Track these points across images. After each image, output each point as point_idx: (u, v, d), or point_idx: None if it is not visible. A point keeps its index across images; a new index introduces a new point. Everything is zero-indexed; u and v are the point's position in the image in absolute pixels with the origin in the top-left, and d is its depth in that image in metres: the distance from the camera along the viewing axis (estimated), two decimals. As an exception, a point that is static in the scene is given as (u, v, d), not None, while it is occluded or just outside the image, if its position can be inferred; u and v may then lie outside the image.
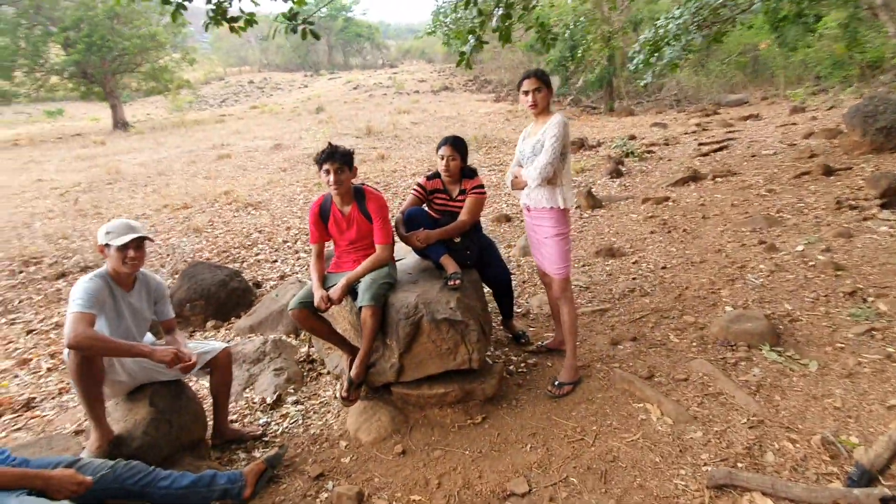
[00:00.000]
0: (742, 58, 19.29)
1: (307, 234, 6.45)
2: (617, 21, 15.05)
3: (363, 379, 2.62)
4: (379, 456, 2.36)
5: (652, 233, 5.24)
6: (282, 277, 5.10)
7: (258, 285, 4.91)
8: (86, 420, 2.82)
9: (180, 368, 2.24)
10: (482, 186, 2.95)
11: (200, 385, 3.10)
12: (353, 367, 2.59)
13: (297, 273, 5.22)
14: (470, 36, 4.59)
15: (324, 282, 2.66)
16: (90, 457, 1.96)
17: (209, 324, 4.12)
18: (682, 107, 17.75)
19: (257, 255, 5.92)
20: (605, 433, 2.30)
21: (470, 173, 2.98)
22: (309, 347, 3.50)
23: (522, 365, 3.02)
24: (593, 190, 7.08)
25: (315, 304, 2.55)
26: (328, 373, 3.18)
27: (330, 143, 2.61)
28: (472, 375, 2.62)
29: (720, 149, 9.18)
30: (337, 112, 19.93)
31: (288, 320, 3.79)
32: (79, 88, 21.89)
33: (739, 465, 1.95)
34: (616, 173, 8.43)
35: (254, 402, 2.95)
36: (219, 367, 2.50)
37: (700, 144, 9.84)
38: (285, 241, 6.28)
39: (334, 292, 2.56)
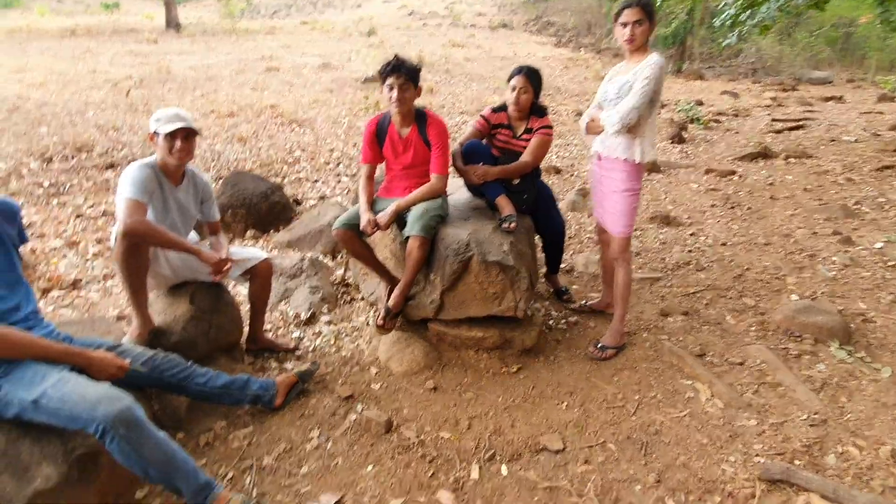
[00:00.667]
0: (834, 31, 17.36)
1: (349, 158, 6.32)
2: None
3: (400, 310, 2.54)
4: (409, 388, 2.32)
5: (712, 206, 4.89)
6: (322, 198, 5.01)
7: (298, 202, 4.85)
8: (128, 307, 2.89)
9: (218, 274, 2.20)
10: (550, 127, 2.69)
11: (238, 291, 3.10)
12: (392, 296, 2.51)
13: (337, 196, 5.12)
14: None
15: (371, 206, 2.53)
16: (131, 344, 1.96)
17: (248, 233, 4.10)
18: (758, 77, 16.30)
19: (298, 172, 5.83)
20: (648, 405, 2.19)
21: (540, 111, 2.72)
22: (345, 271, 3.45)
23: (563, 321, 2.89)
24: (653, 153, 6.61)
25: (361, 227, 2.44)
26: (362, 299, 3.13)
27: (396, 56, 2.38)
28: (513, 323, 2.51)
29: (796, 128, 8.42)
30: (388, 37, 19.06)
31: (326, 241, 3.73)
32: (134, -20, 21.43)
33: (797, 462, 1.81)
34: (678, 139, 7.87)
35: (288, 316, 2.93)
36: (258, 276, 2.44)
37: (774, 120, 9.05)
38: (327, 163, 6.16)
39: (382, 217, 2.43)
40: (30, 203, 4.43)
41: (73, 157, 5.56)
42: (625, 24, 2.29)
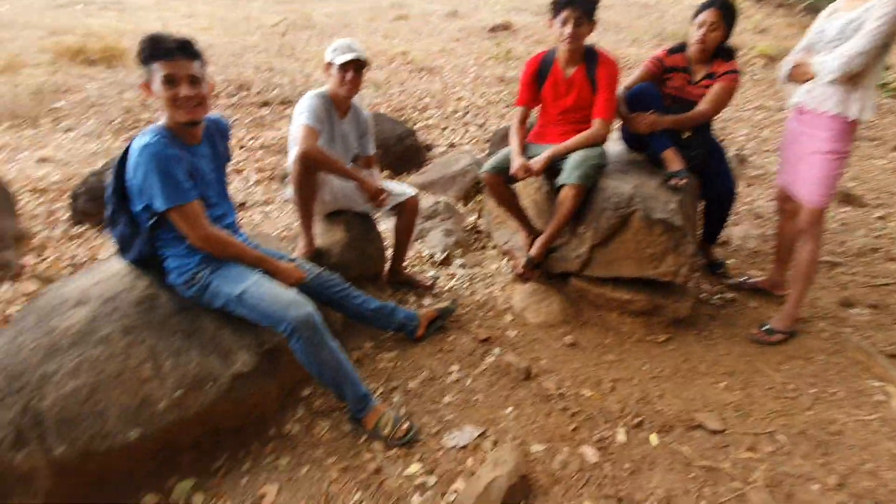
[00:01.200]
0: None
1: (477, 108, 6.22)
2: None
3: (541, 261, 2.46)
4: (546, 340, 2.27)
5: (909, 188, 4.02)
6: (451, 145, 5.01)
7: (429, 148, 4.90)
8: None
9: (375, 202, 2.27)
10: (737, 72, 2.32)
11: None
12: (535, 245, 2.42)
13: (464, 144, 5.09)
14: None
15: (524, 151, 2.42)
16: (301, 259, 2.12)
17: (384, 173, 4.25)
18: None
19: (427, 119, 5.87)
20: (827, 401, 1.89)
21: (727, 53, 2.35)
22: (477, 218, 3.43)
23: (717, 297, 2.60)
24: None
25: (512, 171, 2.35)
26: (494, 247, 3.10)
27: (575, -15, 2.16)
28: (664, 290, 2.30)
29: None
30: (519, -14, 18.09)
31: (458, 187, 3.72)
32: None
33: None
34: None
35: (423, 255, 3.01)
36: (406, 211, 2.50)
37: None
38: (455, 112, 6.11)
39: (536, 163, 2.31)
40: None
41: (234, 95, 6.17)
42: None
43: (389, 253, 2.65)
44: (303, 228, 2.26)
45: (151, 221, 1.56)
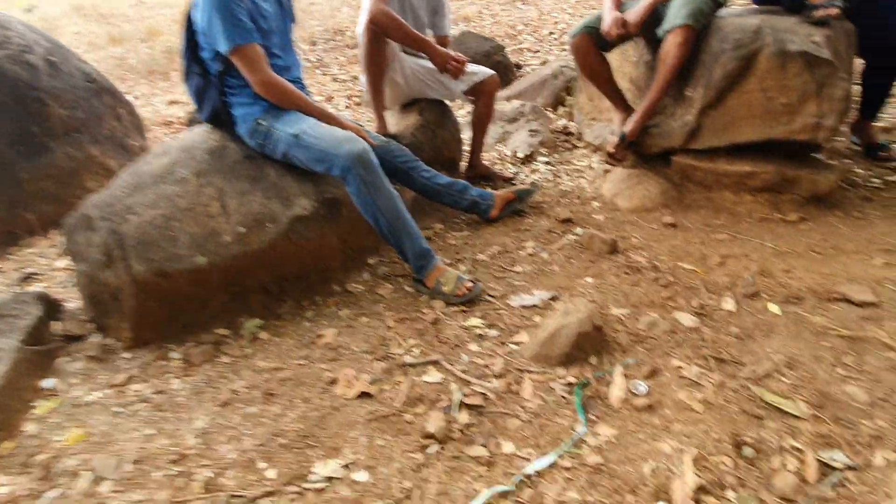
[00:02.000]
0: None
1: (577, 30, 5.69)
2: None
3: (636, 138, 2.12)
4: (640, 223, 1.96)
5: None
6: (543, 63, 4.63)
7: (518, 67, 4.58)
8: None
9: (452, 70, 2.08)
10: None
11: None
12: (631, 121, 2.09)
13: (558, 62, 4.67)
14: None
15: (619, 8, 2.06)
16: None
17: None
18: None
19: (520, 44, 5.51)
20: None
21: None
22: (568, 121, 3.11)
23: (876, 181, 2.04)
24: None
25: (604, 28, 2.01)
26: (585, 146, 2.78)
27: None
28: (798, 161, 1.84)
29: None
30: None
31: (549, 91, 3.41)
32: None
33: None
34: None
35: (505, 155, 2.80)
36: (484, 93, 2.31)
37: None
38: (551, 34, 5.65)
39: (633, 14, 1.95)
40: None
41: (331, 40, 6.38)
42: None
43: (467, 149, 2.49)
44: (375, 108, 2.19)
45: (220, 68, 1.57)
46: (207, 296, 1.50)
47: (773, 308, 1.39)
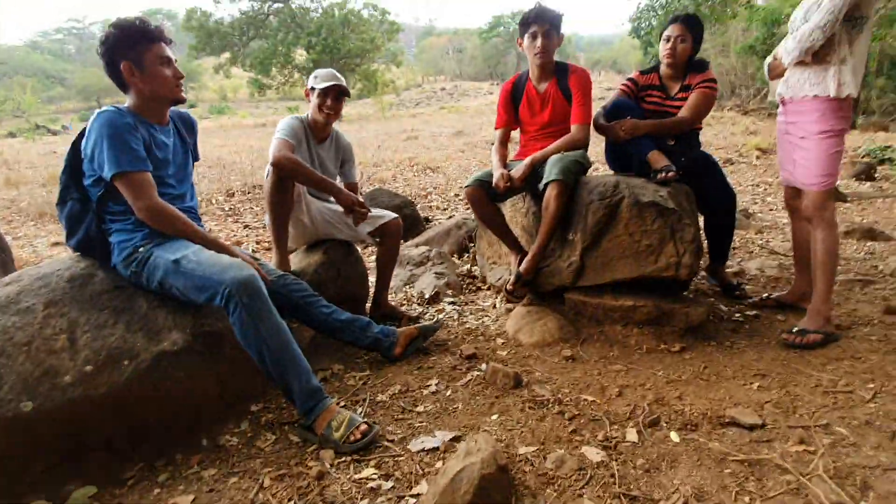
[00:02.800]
0: None
1: (479, 194, 6.44)
2: (882, 8, 11.97)
3: (531, 278, 2.26)
4: (541, 357, 1.97)
5: (936, 226, 3.79)
6: (450, 218, 5.06)
7: (428, 220, 4.95)
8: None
9: (357, 213, 2.15)
10: (714, 81, 2.34)
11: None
12: (525, 260, 2.25)
13: (464, 212, 5.14)
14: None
15: (505, 167, 2.38)
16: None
17: (381, 239, 4.23)
18: (972, 125, 13.28)
19: (430, 202, 6.06)
20: (892, 394, 1.52)
21: (699, 66, 2.39)
22: (471, 266, 3.28)
23: (738, 315, 2.30)
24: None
25: (493, 182, 2.28)
26: (489, 287, 2.90)
27: (538, 2, 2.32)
28: (672, 295, 2.05)
29: None
30: (519, 111, 20.07)
31: (454, 239, 3.65)
32: (311, 85, 26.33)
33: None
34: (866, 176, 6.64)
35: (412, 296, 2.82)
36: (388, 235, 2.40)
37: None
38: (457, 195, 6.33)
39: (517, 171, 2.26)
40: (212, 220, 5.22)
41: (248, 193, 6.57)
42: None
43: (372, 284, 2.49)
44: (275, 244, 2.15)
45: (101, 193, 1.49)
46: (29, 455, 1.18)
47: (674, 436, 1.37)
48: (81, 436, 1.25)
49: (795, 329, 1.94)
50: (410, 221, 4.49)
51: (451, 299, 2.77)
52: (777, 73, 2.10)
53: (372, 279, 2.60)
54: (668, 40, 2.34)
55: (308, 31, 23.70)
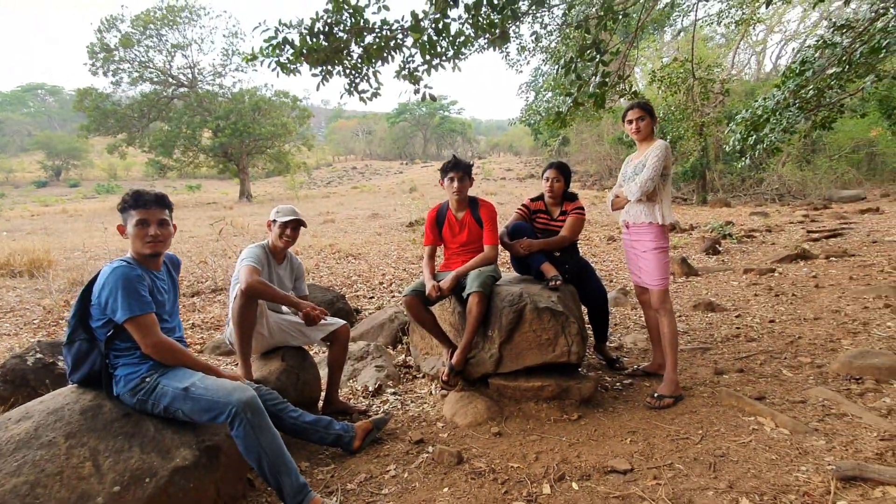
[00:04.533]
0: (855, 154, 18.04)
1: (400, 280, 6.96)
2: (711, 112, 15.27)
3: (462, 368, 2.78)
4: (475, 435, 2.45)
5: (756, 295, 5.01)
6: (378, 308, 5.49)
7: (358, 311, 5.33)
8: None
9: (310, 318, 2.54)
10: (583, 208, 3.19)
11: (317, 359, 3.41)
12: (455, 354, 2.78)
13: (392, 308, 5.60)
14: (567, 97, 5.09)
15: (434, 277, 2.97)
16: (239, 379, 2.28)
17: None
18: (786, 201, 16.81)
19: (356, 292, 6.44)
20: (713, 436, 2.22)
21: (571, 196, 3.25)
22: (406, 356, 3.73)
23: (618, 384, 2.99)
24: (688, 260, 6.92)
25: (427, 292, 2.84)
26: (423, 376, 3.36)
27: (454, 155, 3.05)
28: (569, 375, 2.68)
29: (833, 236, 8.59)
30: (428, 192, 21.55)
31: (388, 332, 4.09)
32: (217, 166, 26.00)
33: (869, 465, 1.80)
34: (712, 251, 8.19)
35: (357, 390, 3.18)
36: (338, 339, 2.81)
37: (809, 231, 9.28)
38: (381, 283, 6.78)
39: (445, 283, 2.84)
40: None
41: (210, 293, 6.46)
42: (630, 122, 2.89)
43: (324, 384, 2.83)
44: (241, 358, 2.46)
45: (109, 333, 1.78)
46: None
47: (574, 486, 1.90)
48: (103, 552, 1.46)
49: (655, 395, 2.64)
50: (343, 314, 4.86)
51: (393, 390, 3.17)
52: (618, 206, 2.97)
53: (322, 375, 2.94)
54: (547, 180, 3.18)
55: (216, 115, 23.86)
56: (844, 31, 6.46)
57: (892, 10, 5.81)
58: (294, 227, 2.72)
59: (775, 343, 3.47)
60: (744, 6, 10.86)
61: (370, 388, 3.15)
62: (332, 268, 7.93)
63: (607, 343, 3.39)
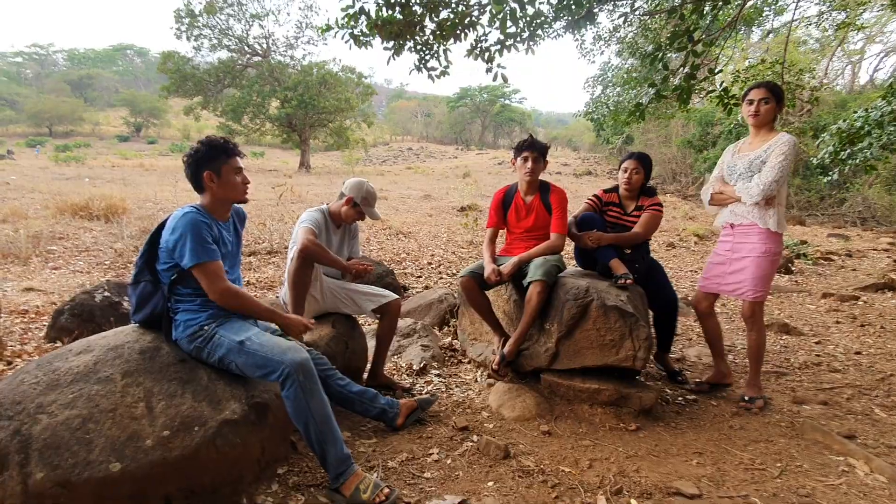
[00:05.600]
0: (957, 180, 16.25)
1: (448, 262, 6.87)
2: (796, 121, 14.07)
3: (514, 358, 2.64)
4: (523, 430, 2.31)
5: (837, 322, 4.54)
6: (426, 287, 5.42)
7: (405, 288, 5.29)
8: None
9: (359, 272, 2.54)
10: (661, 205, 2.93)
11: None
12: (508, 343, 2.64)
13: (441, 289, 5.52)
14: (650, 88, 4.75)
15: (494, 261, 2.82)
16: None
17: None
18: (870, 225, 15.37)
19: (404, 269, 6.41)
20: (794, 472, 1.97)
21: (650, 191, 2.99)
22: (453, 339, 3.63)
23: (680, 399, 2.76)
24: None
25: (485, 275, 2.70)
26: (469, 361, 3.25)
27: (531, 135, 2.87)
28: (629, 381, 2.48)
29: (927, 266, 7.72)
30: (481, 179, 21.28)
31: (435, 313, 4.00)
32: (281, 135, 26.83)
33: None
34: (785, 270, 7.57)
35: (401, 367, 3.11)
36: (389, 312, 2.73)
37: (896, 261, 8.40)
38: (430, 263, 6.73)
39: (506, 267, 2.69)
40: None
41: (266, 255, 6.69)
42: (751, 102, 2.52)
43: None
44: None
45: (173, 276, 1.77)
46: (103, 512, 1.37)
47: (633, 502, 1.73)
48: (147, 494, 1.45)
49: (745, 398, 2.54)
50: (391, 289, 4.82)
51: (437, 371, 3.09)
52: (722, 203, 2.67)
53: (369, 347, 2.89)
54: (625, 171, 2.93)
55: (285, 85, 24.53)
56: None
57: None
58: (363, 215, 2.69)
59: (864, 377, 3.09)
60: (847, 8, 9.85)
61: (415, 367, 3.08)
62: (382, 243, 7.95)
63: (670, 353, 3.14)
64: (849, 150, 7.02)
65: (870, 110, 6.61)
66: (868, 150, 6.73)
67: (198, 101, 25.77)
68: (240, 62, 25.94)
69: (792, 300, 5.64)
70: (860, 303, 5.36)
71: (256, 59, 26.07)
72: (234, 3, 24.54)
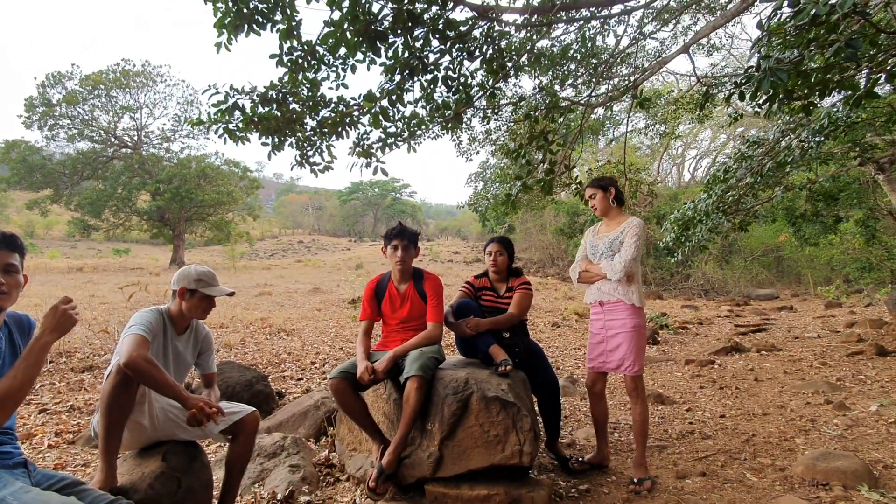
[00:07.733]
0: (766, 257, 20.02)
1: (335, 359, 6.35)
2: (641, 211, 16.45)
3: (394, 470, 2.31)
4: (405, 563, 1.94)
5: (701, 387, 4.91)
6: (306, 391, 4.86)
7: (281, 395, 4.67)
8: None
9: (198, 419, 1.94)
10: (529, 283, 2.98)
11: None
12: (386, 453, 2.32)
13: (320, 392, 4.98)
14: (517, 181, 5.16)
15: (368, 358, 2.57)
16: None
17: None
18: (711, 296, 17.93)
19: (283, 372, 5.76)
20: (688, 563, 1.86)
21: (516, 272, 3.05)
22: (329, 452, 3.16)
23: (573, 490, 2.60)
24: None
25: (358, 375, 2.42)
26: (348, 479, 2.81)
27: (400, 222, 2.81)
28: (520, 480, 2.27)
29: (758, 330, 9.01)
30: (375, 270, 21.17)
31: (311, 422, 3.51)
32: (151, 230, 24.55)
33: None
34: (652, 341, 8.28)
35: (262, 497, 2.57)
36: (244, 432, 2.26)
37: (737, 325, 9.71)
38: (313, 363, 6.16)
39: (380, 364, 2.45)
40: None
41: (51, 362, 5.47)
42: (587, 199, 2.85)
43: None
44: (102, 456, 1.87)
45: None
46: None
47: None
48: None
49: (634, 482, 2.49)
50: (262, 398, 4.22)
51: (308, 497, 2.59)
52: (589, 280, 2.78)
53: (217, 478, 2.34)
54: (490, 254, 2.98)
55: (158, 178, 22.97)
56: (756, 146, 7.28)
57: (790, 135, 6.61)
58: (212, 303, 2.28)
59: (731, 441, 3.25)
60: (666, 122, 12.26)
61: (279, 496, 2.55)
62: (259, 344, 7.17)
63: (559, 439, 3.03)
64: (685, 235, 8.25)
65: (696, 202, 7.92)
66: (700, 234, 7.96)
67: (46, 194, 22.82)
68: (104, 154, 23.92)
69: (661, 369, 6.05)
70: (716, 366, 5.93)
71: (125, 150, 24.30)
72: (101, 95, 23.14)
